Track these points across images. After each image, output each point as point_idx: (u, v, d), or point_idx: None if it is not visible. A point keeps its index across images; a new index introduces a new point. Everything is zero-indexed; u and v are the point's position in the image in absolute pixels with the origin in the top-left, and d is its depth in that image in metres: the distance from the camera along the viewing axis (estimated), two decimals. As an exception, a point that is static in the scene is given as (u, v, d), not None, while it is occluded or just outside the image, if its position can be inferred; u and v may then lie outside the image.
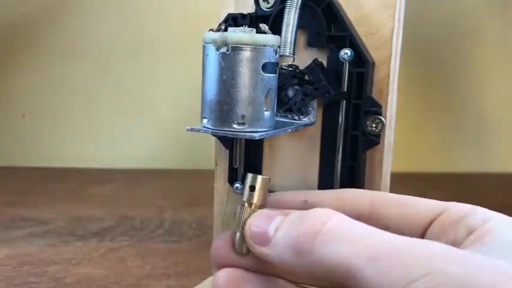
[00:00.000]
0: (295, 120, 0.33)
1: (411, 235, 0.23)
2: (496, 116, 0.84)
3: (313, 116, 0.33)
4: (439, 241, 0.23)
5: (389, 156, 0.35)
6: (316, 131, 0.34)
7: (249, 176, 0.27)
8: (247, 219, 0.26)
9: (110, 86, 0.82)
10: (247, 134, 0.26)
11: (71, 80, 0.81)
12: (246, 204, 0.27)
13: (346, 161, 0.33)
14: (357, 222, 0.22)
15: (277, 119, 0.31)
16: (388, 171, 0.35)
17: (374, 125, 0.33)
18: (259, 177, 0.27)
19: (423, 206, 0.26)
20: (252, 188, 0.27)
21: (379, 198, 0.27)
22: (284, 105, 0.33)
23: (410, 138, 0.82)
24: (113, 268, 0.47)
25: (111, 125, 0.83)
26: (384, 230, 0.23)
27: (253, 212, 0.26)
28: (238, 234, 0.27)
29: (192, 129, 0.27)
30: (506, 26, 0.82)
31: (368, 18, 0.33)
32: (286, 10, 0.32)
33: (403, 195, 0.27)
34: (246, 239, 0.26)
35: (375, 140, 0.33)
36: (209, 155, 0.42)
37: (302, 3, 0.32)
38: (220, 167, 0.38)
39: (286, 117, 0.33)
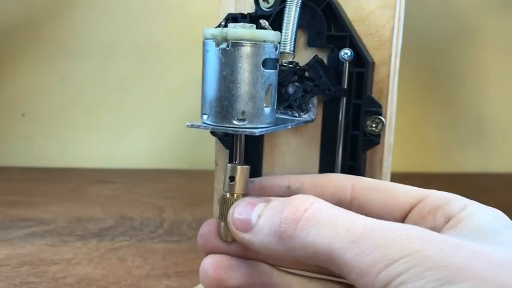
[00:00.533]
0: (296, 117, 0.33)
1: (391, 220, 0.24)
2: (496, 116, 0.84)
3: (314, 113, 0.33)
4: (419, 226, 0.24)
5: (390, 156, 0.35)
6: (316, 129, 0.34)
7: (228, 166, 0.28)
8: (230, 208, 0.27)
9: (110, 86, 0.82)
10: (247, 130, 0.26)
11: (71, 80, 0.81)
12: (228, 195, 0.27)
13: (346, 160, 0.33)
14: (336, 207, 0.23)
15: (277, 115, 0.31)
16: (388, 171, 0.35)
17: (374, 125, 0.33)
18: (239, 168, 0.28)
19: (404, 193, 0.27)
20: (232, 179, 0.28)
21: (361, 183, 0.28)
22: (284, 102, 0.33)
23: (410, 138, 0.82)
24: (113, 268, 0.47)
25: (111, 125, 0.83)
26: (365, 215, 0.24)
27: (236, 200, 0.27)
28: (222, 224, 0.28)
29: (192, 126, 0.27)
30: (506, 26, 0.82)
31: (368, 18, 0.33)
32: (287, 8, 0.32)
33: (385, 181, 0.28)
34: (229, 227, 0.26)
35: (375, 140, 0.33)
36: (209, 155, 0.42)
37: (302, 2, 0.32)
38: (220, 167, 0.38)
39: (287, 114, 0.33)
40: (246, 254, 0.29)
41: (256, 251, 0.25)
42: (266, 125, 0.27)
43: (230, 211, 0.26)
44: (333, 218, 0.22)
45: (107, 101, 0.82)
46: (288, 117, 0.33)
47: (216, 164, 0.39)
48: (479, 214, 0.23)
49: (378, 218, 0.25)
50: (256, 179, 0.30)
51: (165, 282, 0.44)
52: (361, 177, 0.28)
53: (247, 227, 0.25)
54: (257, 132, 0.26)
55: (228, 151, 0.36)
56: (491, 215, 0.23)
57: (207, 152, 0.51)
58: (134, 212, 0.62)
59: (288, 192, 0.28)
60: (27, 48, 0.80)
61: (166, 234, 0.56)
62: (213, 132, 0.35)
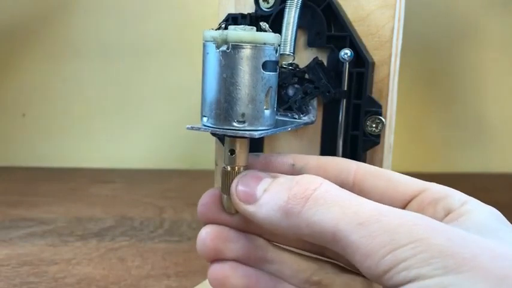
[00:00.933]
0: (296, 119, 0.33)
1: None
2: (496, 116, 0.84)
3: (314, 115, 0.33)
4: None
5: (390, 156, 0.35)
6: (316, 130, 0.34)
7: (227, 139, 0.28)
8: (232, 180, 0.27)
9: (110, 86, 0.82)
10: (247, 132, 0.26)
11: (71, 80, 0.81)
12: (229, 168, 0.27)
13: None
14: (345, 190, 0.23)
15: (277, 117, 0.31)
16: (388, 171, 0.35)
17: (374, 125, 0.33)
18: (238, 140, 0.27)
19: (405, 183, 0.27)
20: (232, 152, 0.27)
21: (364, 169, 0.28)
22: (284, 104, 0.33)
23: (410, 138, 0.82)
24: (113, 268, 0.47)
25: (111, 125, 0.83)
26: None
27: (238, 173, 0.27)
28: (225, 196, 0.28)
29: (192, 128, 0.27)
30: (506, 26, 0.82)
31: (368, 18, 0.33)
32: (287, 9, 0.32)
33: (388, 170, 0.28)
34: (232, 197, 0.26)
35: (375, 140, 0.33)
36: (209, 155, 0.42)
37: (302, 3, 0.32)
38: (220, 167, 0.38)
39: (287, 116, 0.33)
40: (244, 226, 0.29)
41: (255, 225, 0.25)
42: (266, 127, 0.27)
43: (234, 182, 0.26)
44: (341, 200, 0.22)
45: (107, 101, 0.82)
46: (288, 119, 0.33)
47: (216, 164, 0.39)
48: (479, 210, 0.23)
49: None
50: (262, 154, 0.30)
51: (165, 282, 0.44)
52: (364, 163, 0.29)
53: (251, 199, 0.25)
54: (257, 134, 0.26)
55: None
56: (489, 212, 0.23)
57: (207, 152, 0.51)
58: (134, 212, 0.62)
59: (292, 170, 0.28)
60: (27, 49, 0.80)
61: (166, 234, 0.56)
62: (213, 133, 0.35)
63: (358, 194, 0.25)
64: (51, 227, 0.57)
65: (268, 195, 0.24)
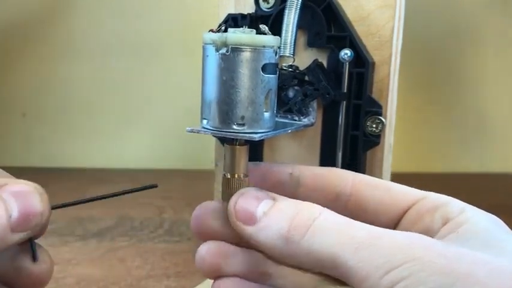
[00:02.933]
0: (295, 120, 0.33)
1: (388, 219, 0.26)
2: (496, 116, 0.84)
3: (313, 117, 0.33)
4: (416, 226, 0.25)
5: (390, 156, 0.35)
6: (316, 132, 0.34)
7: (227, 147, 0.28)
8: (237, 189, 0.27)
9: (110, 86, 0.82)
10: (247, 135, 0.26)
11: (71, 80, 0.81)
12: (229, 175, 0.27)
13: (347, 161, 0.33)
14: (342, 216, 0.23)
15: (277, 119, 0.31)
16: (388, 171, 0.35)
17: (374, 126, 0.33)
18: (237, 147, 0.27)
19: (402, 193, 0.27)
20: (232, 159, 0.27)
21: (361, 180, 0.28)
22: (284, 106, 0.33)
23: (410, 138, 0.82)
24: (113, 268, 0.47)
25: (111, 125, 0.83)
26: (362, 211, 0.26)
27: (241, 182, 0.27)
28: (226, 204, 0.27)
29: (192, 131, 0.27)
30: (506, 26, 0.82)
31: (368, 18, 0.33)
32: (286, 10, 0.32)
33: (385, 181, 0.28)
34: (229, 216, 0.26)
35: (375, 140, 0.33)
36: (209, 155, 0.42)
37: (302, 3, 0.32)
38: (220, 167, 0.38)
39: (286, 117, 0.33)
40: (242, 241, 0.29)
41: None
42: (266, 130, 0.27)
43: (232, 200, 0.26)
44: (338, 227, 0.23)
45: (107, 101, 0.82)
46: (288, 121, 0.33)
47: (216, 164, 0.39)
48: (478, 219, 0.23)
49: (374, 215, 0.26)
50: (261, 163, 0.30)
51: (165, 282, 0.44)
52: (361, 174, 0.29)
53: (250, 221, 0.25)
54: (256, 137, 0.26)
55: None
56: (489, 220, 0.23)
57: (207, 152, 0.51)
58: (134, 212, 0.62)
59: (290, 179, 0.28)
60: (27, 49, 0.80)
61: (166, 234, 0.56)
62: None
63: (354, 205, 0.26)
64: (51, 227, 0.56)
65: (268, 220, 0.24)
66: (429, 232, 0.24)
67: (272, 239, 0.24)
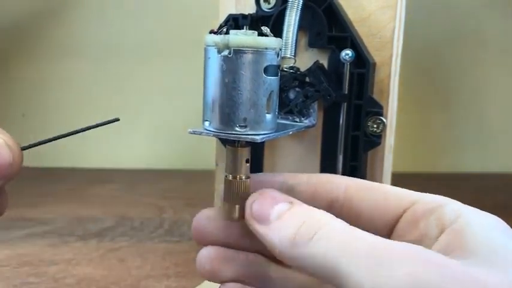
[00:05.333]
0: (296, 122, 0.33)
1: (383, 224, 0.26)
2: (496, 116, 0.84)
3: (314, 118, 0.33)
4: (412, 232, 0.25)
5: (390, 157, 0.35)
6: (317, 133, 0.34)
7: (229, 148, 0.28)
8: (243, 191, 0.27)
9: (110, 86, 0.82)
10: (249, 136, 0.26)
11: (71, 80, 0.81)
12: (231, 177, 0.28)
13: (347, 162, 0.33)
14: (348, 225, 0.24)
15: (278, 121, 0.31)
16: (388, 171, 0.35)
17: (375, 126, 0.33)
18: (238, 149, 0.28)
19: (395, 196, 0.27)
20: (233, 161, 0.28)
21: (355, 185, 0.28)
22: (285, 107, 0.33)
23: (411, 138, 0.82)
24: (113, 268, 0.47)
25: (111, 125, 0.83)
26: (356, 216, 0.26)
27: (243, 183, 0.27)
28: (227, 204, 0.28)
29: (194, 132, 0.27)
30: (506, 26, 0.82)
31: (369, 19, 0.33)
32: (288, 11, 0.32)
33: (378, 184, 0.28)
34: (246, 213, 0.26)
35: (376, 140, 0.33)
36: (209, 155, 0.42)
37: (303, 4, 0.32)
38: (220, 167, 0.38)
39: (287, 119, 0.33)
40: (242, 244, 0.29)
41: (256, 241, 0.26)
42: (267, 132, 0.27)
43: (251, 198, 0.26)
44: (343, 235, 0.23)
45: (107, 101, 0.82)
46: (289, 122, 0.33)
47: (216, 164, 0.39)
48: (476, 224, 0.23)
49: (369, 221, 0.26)
50: (253, 174, 0.30)
51: (165, 282, 0.44)
52: (355, 178, 0.29)
53: (264, 220, 0.25)
54: (259, 139, 0.26)
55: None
56: (489, 224, 0.23)
57: (207, 152, 0.51)
58: (134, 212, 0.62)
59: (281, 187, 0.29)
60: (27, 48, 0.80)
61: (166, 234, 0.56)
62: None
63: (348, 210, 0.26)
64: (51, 227, 0.57)
65: (281, 223, 0.25)
66: (425, 239, 0.24)
67: (280, 242, 0.24)
